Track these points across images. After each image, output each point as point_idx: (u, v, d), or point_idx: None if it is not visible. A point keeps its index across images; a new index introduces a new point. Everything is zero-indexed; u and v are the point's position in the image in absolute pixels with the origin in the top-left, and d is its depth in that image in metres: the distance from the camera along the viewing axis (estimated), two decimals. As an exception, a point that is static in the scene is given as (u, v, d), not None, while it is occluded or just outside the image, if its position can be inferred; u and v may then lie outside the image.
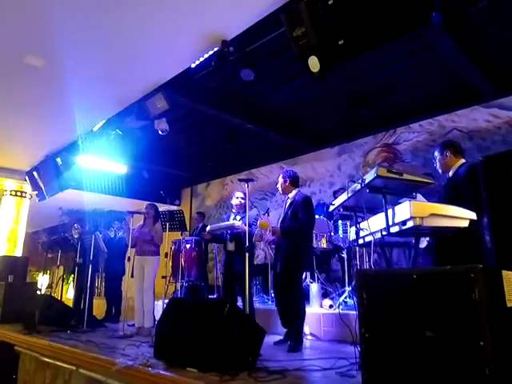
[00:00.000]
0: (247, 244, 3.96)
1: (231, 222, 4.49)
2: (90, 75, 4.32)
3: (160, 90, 4.45)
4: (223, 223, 4.63)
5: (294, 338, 3.62)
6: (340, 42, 2.74)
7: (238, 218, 4.54)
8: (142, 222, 5.14)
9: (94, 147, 5.69)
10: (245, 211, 4.60)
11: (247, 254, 3.93)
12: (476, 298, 1.51)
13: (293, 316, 3.73)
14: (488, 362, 1.45)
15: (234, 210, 4.67)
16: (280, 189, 4.12)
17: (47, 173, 6.57)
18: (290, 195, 4.03)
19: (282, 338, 3.87)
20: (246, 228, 4.05)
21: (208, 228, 4.72)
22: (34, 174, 6.91)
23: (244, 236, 4.28)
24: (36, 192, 7.11)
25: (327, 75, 4.54)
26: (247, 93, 5.94)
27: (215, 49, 3.70)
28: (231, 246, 4.45)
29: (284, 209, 4.03)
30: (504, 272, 1.55)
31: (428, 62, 5.04)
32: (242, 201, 4.60)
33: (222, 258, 4.62)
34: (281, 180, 4.08)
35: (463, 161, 3.08)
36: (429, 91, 5.70)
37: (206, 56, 3.91)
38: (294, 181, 4.07)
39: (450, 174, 3.09)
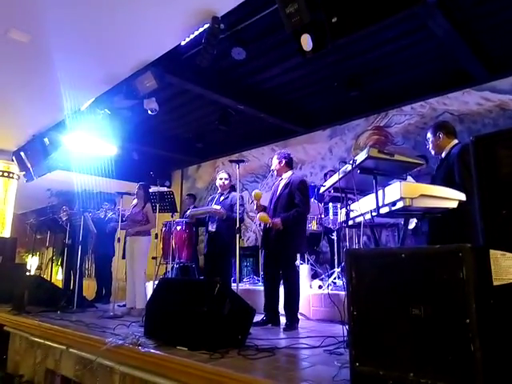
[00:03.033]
0: (238, 225, 3.98)
1: (210, 206, 4.57)
2: (78, 52, 4.20)
3: (149, 68, 4.36)
4: (202, 208, 4.72)
5: (290, 318, 3.67)
6: (333, 20, 2.69)
7: (222, 198, 4.60)
8: (135, 202, 5.14)
9: (82, 127, 5.59)
10: (229, 192, 4.67)
11: (237, 236, 3.96)
12: (463, 276, 1.53)
13: (290, 297, 3.76)
14: (473, 338, 1.48)
15: (219, 191, 4.72)
16: (275, 170, 4.10)
17: (35, 153, 6.45)
18: (285, 176, 4.02)
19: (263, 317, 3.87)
20: (237, 211, 4.06)
21: (188, 212, 4.77)
22: (22, 154, 6.78)
23: (223, 219, 4.40)
24: (24, 173, 7.00)
25: (319, 56, 4.50)
26: (239, 73, 5.85)
27: (205, 26, 3.61)
28: (212, 227, 4.50)
29: (277, 190, 4.00)
30: (491, 251, 1.56)
31: (421, 44, 5.00)
32: (226, 181, 4.65)
33: (204, 239, 4.66)
34: (276, 161, 4.06)
35: (456, 141, 3.08)
36: (421, 73, 5.67)
37: (197, 33, 3.83)
38: (288, 162, 4.07)
39: (443, 155, 3.09)
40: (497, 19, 4.53)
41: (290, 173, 4.03)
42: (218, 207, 4.45)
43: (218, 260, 4.43)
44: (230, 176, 4.75)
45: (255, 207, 4.01)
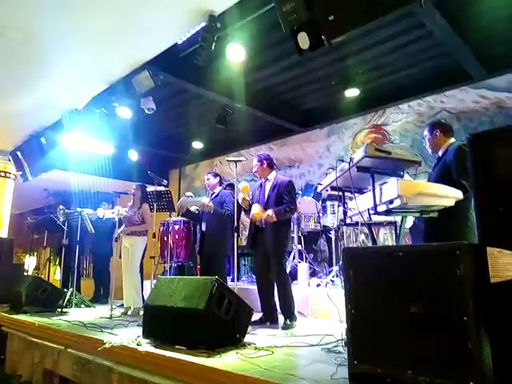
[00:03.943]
0: (235, 224, 3.99)
1: (201, 198, 4.68)
2: (74, 51, 4.18)
3: (146, 67, 4.34)
4: (192, 200, 4.79)
5: (288, 316, 3.69)
6: (330, 18, 2.68)
7: (213, 197, 4.67)
8: (130, 203, 5.12)
9: (79, 126, 5.56)
10: (220, 189, 4.74)
11: (235, 235, 3.97)
12: (461, 274, 1.53)
13: (284, 295, 3.77)
14: (471, 336, 1.48)
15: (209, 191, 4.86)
16: (257, 172, 4.09)
17: (31, 153, 6.42)
18: (270, 177, 4.03)
19: (261, 317, 3.88)
20: (235, 208, 4.06)
21: (180, 200, 4.84)
22: (18, 154, 6.75)
23: (214, 219, 4.43)
24: (20, 173, 6.96)
25: (317, 55, 4.50)
26: (236, 72, 5.82)
27: (202, 24, 3.60)
28: (203, 226, 4.57)
29: (263, 191, 4.00)
30: (488, 249, 1.56)
31: (418, 42, 5.00)
32: (209, 181, 4.77)
33: (197, 238, 4.78)
34: (257, 163, 4.06)
35: (453, 140, 3.08)
36: (418, 71, 5.67)
37: (194, 32, 3.81)
38: (270, 163, 4.09)
39: (440, 153, 3.09)
40: (493, 17, 4.53)
41: (273, 173, 4.06)
42: (207, 200, 4.50)
43: (211, 259, 4.47)
44: (216, 174, 4.85)
45: (241, 201, 4.00)
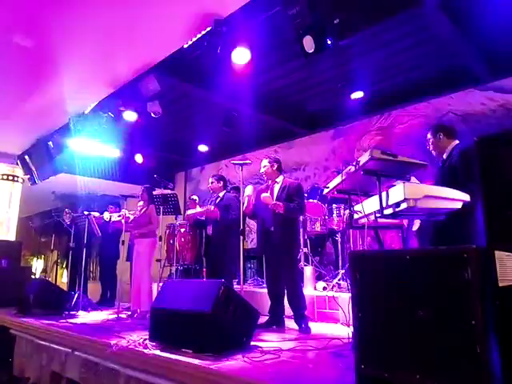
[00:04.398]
0: (241, 227, 3.98)
1: (205, 208, 4.67)
2: (81, 56, 4.22)
3: (152, 70, 4.38)
4: (199, 209, 4.85)
5: (303, 320, 3.66)
6: (335, 21, 2.69)
7: (218, 200, 4.69)
8: (141, 205, 5.19)
9: (86, 130, 5.61)
10: (225, 193, 4.77)
11: (241, 238, 3.96)
12: (469, 277, 1.52)
13: (298, 298, 3.74)
14: (479, 340, 1.47)
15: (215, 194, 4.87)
16: (266, 173, 4.05)
17: (39, 156, 6.50)
18: (278, 180, 4.02)
19: (267, 320, 3.86)
20: (241, 208, 4.05)
21: (188, 212, 4.87)
22: (26, 157, 6.83)
23: (218, 221, 4.45)
24: (28, 176, 7.04)
25: (322, 57, 4.50)
26: (241, 74, 5.84)
27: (208, 28, 3.62)
28: (209, 230, 4.61)
29: (272, 193, 3.97)
30: (497, 252, 1.55)
31: (424, 44, 4.98)
32: (213, 184, 4.77)
33: (203, 241, 4.83)
34: (267, 164, 4.03)
35: (457, 142, 3.07)
36: (424, 73, 5.65)
37: (199, 36, 3.84)
38: (279, 167, 4.08)
39: (444, 156, 3.08)
40: (501, 18, 4.50)
41: (281, 177, 4.05)
42: (212, 207, 4.52)
43: (217, 262, 4.48)
44: (219, 178, 4.82)
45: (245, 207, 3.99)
